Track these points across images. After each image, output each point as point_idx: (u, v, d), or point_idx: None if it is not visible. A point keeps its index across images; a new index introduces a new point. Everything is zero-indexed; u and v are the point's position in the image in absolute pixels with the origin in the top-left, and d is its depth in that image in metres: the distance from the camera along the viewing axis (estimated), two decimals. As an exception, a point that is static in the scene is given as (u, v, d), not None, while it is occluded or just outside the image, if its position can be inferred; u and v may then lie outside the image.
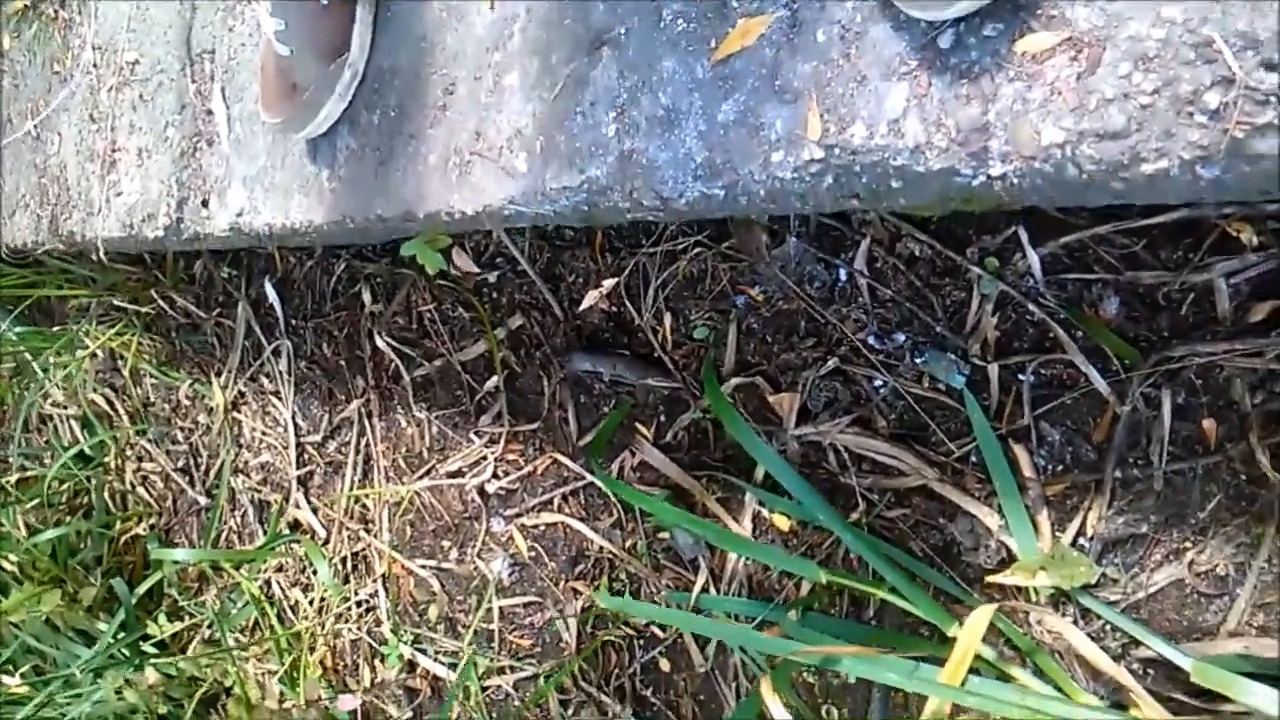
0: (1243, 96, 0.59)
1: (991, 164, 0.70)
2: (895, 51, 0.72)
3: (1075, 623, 1.08)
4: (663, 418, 1.51)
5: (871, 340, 1.22)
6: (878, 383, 1.24)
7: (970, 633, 1.03)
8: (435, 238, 1.44)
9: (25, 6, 1.85)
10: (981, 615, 1.04)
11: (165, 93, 1.52)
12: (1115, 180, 0.65)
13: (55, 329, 2.49)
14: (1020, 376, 1.10)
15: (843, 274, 1.24)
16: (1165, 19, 0.60)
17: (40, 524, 2.46)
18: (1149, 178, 0.64)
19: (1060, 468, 1.10)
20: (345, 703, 1.85)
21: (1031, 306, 1.08)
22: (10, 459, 2.66)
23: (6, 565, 2.39)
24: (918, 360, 1.19)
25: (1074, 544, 1.08)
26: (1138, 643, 1.05)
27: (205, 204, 1.46)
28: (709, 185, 0.86)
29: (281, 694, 1.93)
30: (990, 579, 1.12)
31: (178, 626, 2.32)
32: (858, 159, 0.76)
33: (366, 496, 1.96)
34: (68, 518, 2.51)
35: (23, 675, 2.31)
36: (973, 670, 1.07)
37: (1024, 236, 1.07)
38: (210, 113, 1.43)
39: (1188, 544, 1.02)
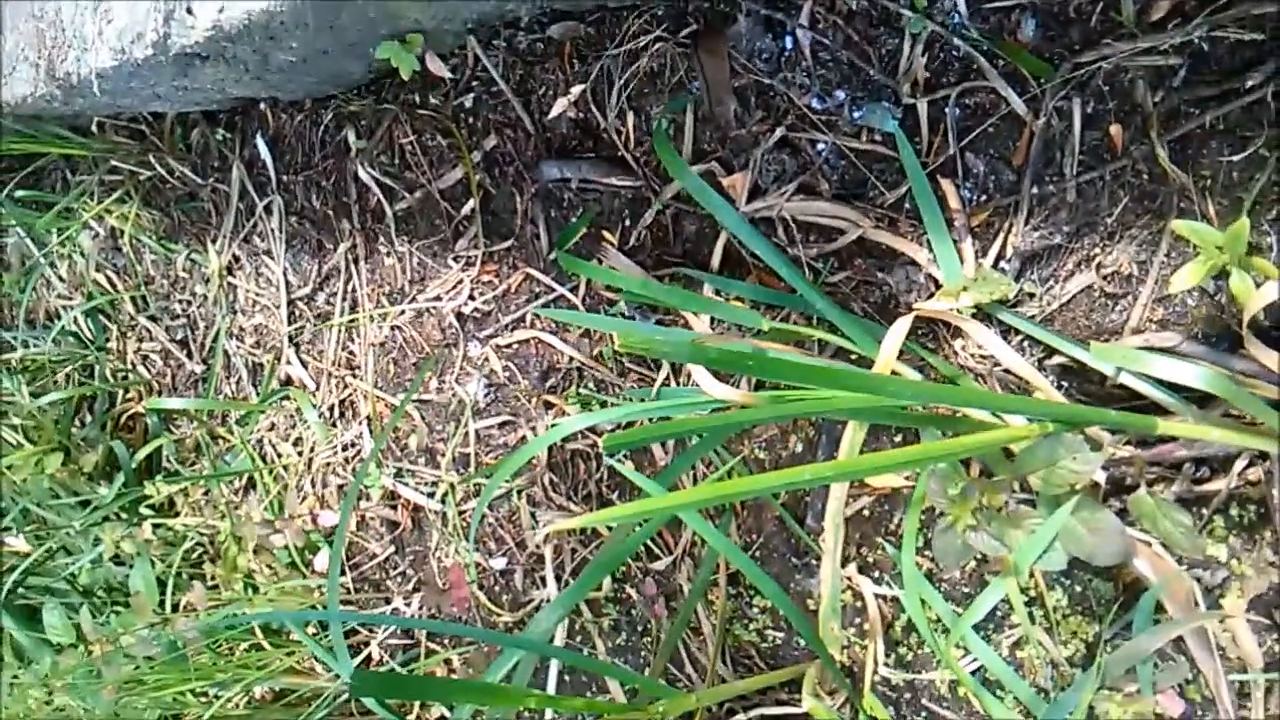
0: None
1: None
2: None
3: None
4: (627, 221, 1.57)
5: (814, 103, 1.29)
6: (820, 146, 1.30)
7: (891, 339, 1.09)
8: (410, 37, 1.51)
9: None
10: (901, 324, 1.10)
11: (155, -90, 1.59)
12: None
13: (53, 204, 2.57)
14: (946, 109, 1.16)
15: (789, 42, 1.30)
16: None
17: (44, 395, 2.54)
18: None
19: (984, 197, 1.16)
20: (327, 518, 1.92)
21: (957, 41, 1.14)
22: (15, 343, 2.74)
23: (9, 432, 2.47)
24: (855, 116, 1.25)
25: (995, 266, 1.14)
26: (1053, 351, 1.11)
27: (190, 10, 1.53)
28: None
29: (265, 518, 2.00)
30: (917, 305, 1.18)
31: (174, 488, 2.40)
32: None
33: (352, 342, 2.03)
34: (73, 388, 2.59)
35: (24, 536, 2.39)
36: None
37: (948, -30, 1.13)
38: (195, -81, 1.50)
39: (1097, 250, 1.08)
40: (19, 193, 2.56)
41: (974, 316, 1.14)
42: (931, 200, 1.17)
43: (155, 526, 2.35)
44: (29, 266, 2.75)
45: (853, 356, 1.28)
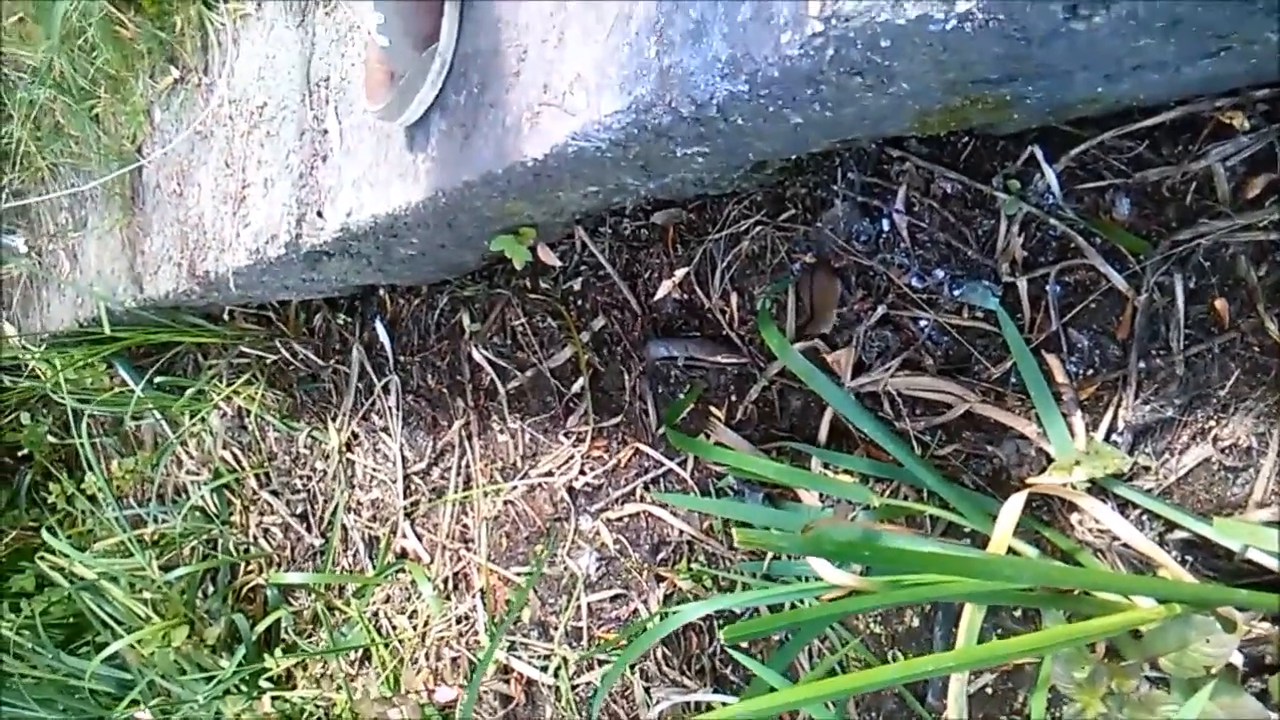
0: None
1: (957, 2, 0.81)
2: (874, -78, 0.86)
3: (1113, 512, 1.12)
4: (733, 396, 1.61)
5: (914, 281, 1.32)
6: (923, 322, 1.32)
7: (1006, 516, 1.09)
8: (521, 231, 1.60)
9: (175, 80, 2.12)
10: (1016, 501, 1.10)
11: (287, 125, 1.74)
12: (1061, 2, 0.76)
13: (186, 388, 2.71)
14: (1047, 288, 1.18)
15: (885, 224, 1.35)
16: None
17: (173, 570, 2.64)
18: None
19: (1090, 370, 1.17)
20: (443, 694, 1.94)
21: (1053, 220, 1.17)
22: (146, 518, 2.86)
23: (139, 605, 2.56)
24: (955, 292, 1.28)
25: (1107, 439, 1.14)
26: (1174, 526, 1.09)
27: (320, 214, 1.65)
28: (733, 83, 0.99)
29: (382, 694, 2.02)
30: (1031, 480, 1.18)
31: (292, 661, 2.45)
32: (850, 24, 0.88)
33: (466, 515, 2.08)
34: (199, 563, 2.69)
35: (150, 710, 2.45)
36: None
37: (1040, 155, 1.16)
38: (325, 132, 1.63)
39: (1212, 422, 1.07)
40: (157, 379, 2.72)
41: (1089, 491, 1.13)
42: (1037, 375, 1.18)
43: (274, 699, 2.39)
44: (162, 446, 2.90)
45: (966, 529, 1.27)
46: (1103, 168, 1.13)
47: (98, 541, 2.73)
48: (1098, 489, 1.13)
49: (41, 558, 2.68)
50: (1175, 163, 1.08)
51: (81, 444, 2.70)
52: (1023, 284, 1.20)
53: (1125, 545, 1.11)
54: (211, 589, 2.75)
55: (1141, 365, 1.11)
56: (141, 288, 2.32)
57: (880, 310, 1.36)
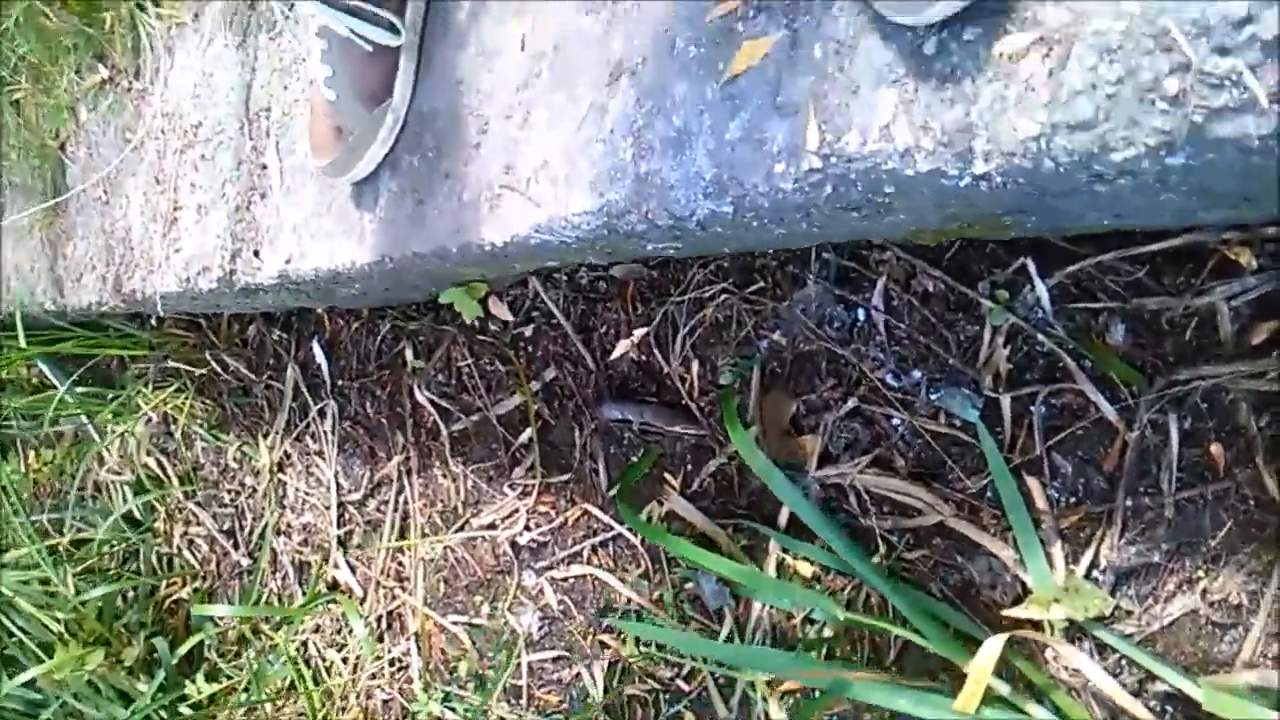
0: (1198, 80, 0.62)
1: (975, 163, 0.73)
2: (885, 60, 0.77)
3: (1091, 656, 1.07)
4: (690, 466, 1.53)
5: (889, 378, 1.25)
6: (895, 421, 1.26)
7: (982, 661, 1.03)
8: (472, 285, 1.50)
9: (103, 80, 1.98)
10: (993, 645, 1.04)
11: (224, 151, 1.61)
12: (1088, 171, 0.69)
13: (112, 395, 2.58)
14: (1032, 408, 1.12)
15: (861, 314, 1.27)
16: (1125, 12, 0.64)
17: (89, 585, 2.51)
18: (1119, 166, 0.67)
19: (1073, 499, 1.11)
20: (372, 753, 1.86)
21: (1041, 337, 1.10)
22: (65, 522, 2.73)
23: (54, 625, 2.44)
24: (933, 396, 1.21)
25: (1088, 575, 1.09)
26: (1154, 676, 1.04)
27: (257, 254, 1.53)
28: (718, 203, 0.91)
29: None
30: (1006, 612, 1.12)
31: (215, 688, 2.35)
32: (853, 166, 0.80)
33: (403, 554, 1.99)
34: (116, 580, 2.56)
35: (63, 735, 2.34)
36: (988, 705, 1.07)
37: (1032, 268, 1.10)
38: (264, 167, 1.52)
39: (1200, 573, 1.02)
40: (79, 389, 2.58)
41: (1067, 631, 1.08)
42: (1016, 498, 1.12)
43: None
44: (84, 444, 2.76)
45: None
46: (1098, 289, 1.06)
47: (7, 551, 2.59)
48: (1076, 627, 1.08)
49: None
50: (1176, 294, 1.02)
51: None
52: (1006, 401, 1.13)
53: (1101, 690, 1.06)
54: (132, 600, 2.63)
55: (1129, 504, 1.05)
56: (62, 292, 2.19)
57: (851, 402, 1.29)
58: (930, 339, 1.19)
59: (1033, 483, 1.12)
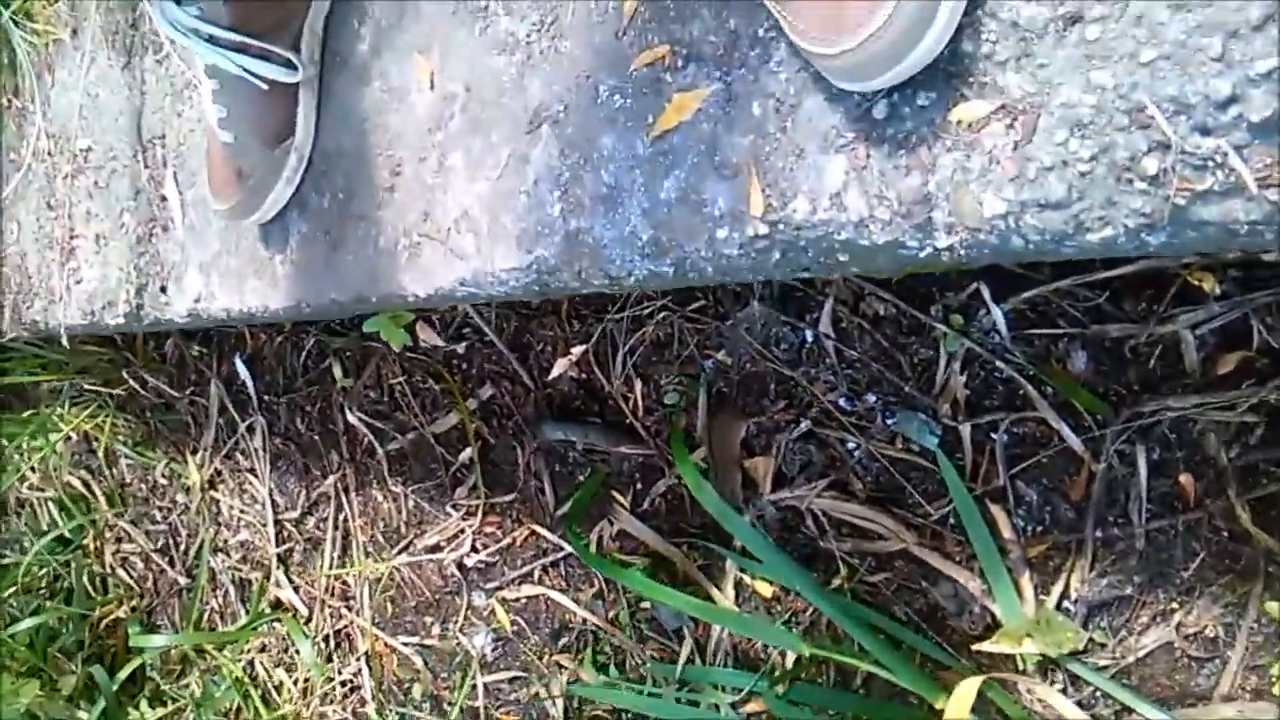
0: (1180, 161, 0.56)
1: (937, 236, 0.67)
2: (831, 124, 0.70)
3: (1064, 691, 1.04)
4: (639, 485, 1.48)
5: (842, 402, 1.20)
6: (851, 445, 1.21)
7: (957, 706, 0.99)
8: (398, 314, 1.42)
9: (-20, 96, 1.84)
10: (967, 689, 1.00)
11: (119, 179, 1.50)
12: (1063, 249, 0.63)
13: (28, 414, 2.45)
14: (993, 435, 1.08)
15: (809, 335, 1.22)
16: (1096, 84, 0.58)
17: (19, 612, 2.41)
18: (1097, 246, 0.62)
19: (1040, 528, 1.07)
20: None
21: (999, 363, 1.06)
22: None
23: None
24: (889, 421, 1.16)
25: (1059, 607, 1.05)
26: (1130, 710, 1.02)
27: (164, 290, 1.43)
28: (656, 264, 0.84)
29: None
30: (977, 647, 1.08)
31: (161, 712, 2.27)
32: (802, 234, 0.73)
33: (347, 573, 1.92)
34: (47, 603, 2.46)
35: (1, 772, 2.26)
36: (962, 742, 1.04)
37: (986, 293, 1.04)
38: (164, 198, 1.41)
39: (1174, 605, 0.99)
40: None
41: (1039, 665, 1.05)
42: (981, 526, 1.08)
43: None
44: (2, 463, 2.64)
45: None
46: (1056, 314, 1.01)
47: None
48: (1049, 660, 1.05)
49: None
50: (1138, 321, 0.97)
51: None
52: (966, 429, 1.08)
53: (1076, 723, 1.03)
54: (65, 622, 2.53)
55: (1099, 534, 1.01)
56: (-40, 318, 2.05)
57: (804, 424, 1.24)
58: (883, 364, 1.14)
59: (997, 511, 1.08)
